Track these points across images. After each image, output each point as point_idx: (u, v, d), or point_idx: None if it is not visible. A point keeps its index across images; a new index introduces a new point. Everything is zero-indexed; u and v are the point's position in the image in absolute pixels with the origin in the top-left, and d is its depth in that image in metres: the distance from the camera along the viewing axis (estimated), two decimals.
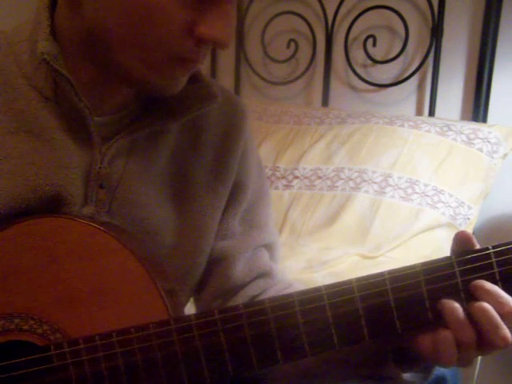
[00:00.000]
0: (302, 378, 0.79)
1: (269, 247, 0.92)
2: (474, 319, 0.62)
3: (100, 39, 0.68)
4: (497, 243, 0.64)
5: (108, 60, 0.70)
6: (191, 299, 0.92)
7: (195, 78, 0.79)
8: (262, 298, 0.87)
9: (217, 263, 0.87)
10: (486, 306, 0.62)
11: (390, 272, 0.64)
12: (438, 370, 0.90)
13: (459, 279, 0.63)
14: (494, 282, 0.63)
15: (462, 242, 0.66)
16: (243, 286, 0.88)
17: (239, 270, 0.87)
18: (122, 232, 0.74)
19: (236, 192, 0.87)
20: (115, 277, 0.68)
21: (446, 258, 0.64)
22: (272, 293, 0.88)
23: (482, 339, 0.62)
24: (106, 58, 0.70)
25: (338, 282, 0.65)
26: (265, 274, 0.90)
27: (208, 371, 0.64)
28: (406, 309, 0.64)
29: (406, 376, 0.72)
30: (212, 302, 0.89)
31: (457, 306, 0.62)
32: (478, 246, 0.65)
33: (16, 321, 0.67)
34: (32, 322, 0.67)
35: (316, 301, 0.64)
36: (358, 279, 0.64)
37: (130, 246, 0.69)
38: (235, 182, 0.87)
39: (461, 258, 0.64)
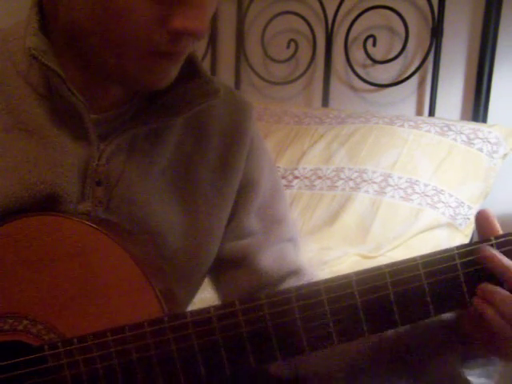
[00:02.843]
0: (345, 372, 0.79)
1: (293, 241, 0.90)
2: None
3: (77, 37, 0.68)
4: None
5: (90, 58, 0.69)
6: (198, 303, 0.91)
7: (197, 74, 0.78)
8: None
9: (240, 261, 0.86)
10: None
11: (389, 265, 0.64)
12: None
13: (461, 271, 0.63)
14: None
15: (482, 222, 0.66)
16: (274, 283, 0.86)
17: (266, 265, 0.85)
18: (118, 230, 0.73)
19: (247, 190, 0.86)
20: (109, 276, 0.67)
21: (447, 250, 0.63)
22: None
23: None
24: (87, 56, 0.69)
25: (337, 277, 0.64)
26: (296, 272, 0.88)
27: (204, 369, 0.64)
28: (406, 303, 0.63)
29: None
30: None
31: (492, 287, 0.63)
32: (497, 226, 0.65)
33: (10, 321, 0.67)
34: (26, 322, 0.67)
35: (314, 296, 0.63)
36: (357, 273, 0.64)
37: (126, 244, 0.69)
38: (245, 180, 0.85)
39: (462, 250, 0.63)
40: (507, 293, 0.62)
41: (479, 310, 0.63)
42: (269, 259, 0.86)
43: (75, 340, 0.65)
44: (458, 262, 0.63)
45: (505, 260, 0.62)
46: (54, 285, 0.67)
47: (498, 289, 0.62)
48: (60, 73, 0.69)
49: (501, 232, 0.65)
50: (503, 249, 0.63)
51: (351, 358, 0.77)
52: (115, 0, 0.62)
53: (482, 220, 0.66)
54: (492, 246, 0.63)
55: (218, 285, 0.89)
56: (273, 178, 0.90)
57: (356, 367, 0.78)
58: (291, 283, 0.87)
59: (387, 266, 0.64)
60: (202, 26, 0.64)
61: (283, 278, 0.87)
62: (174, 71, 0.71)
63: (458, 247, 0.63)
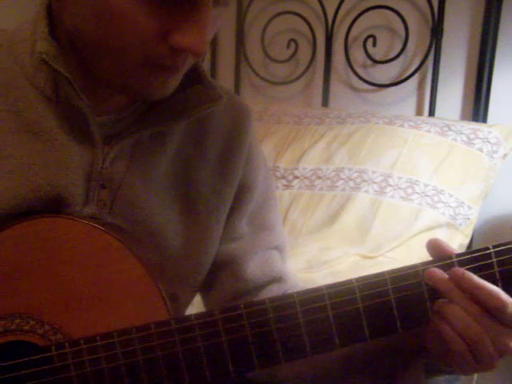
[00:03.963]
0: (317, 379, 0.79)
1: (280, 249, 0.92)
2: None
3: (80, 43, 0.68)
4: (497, 243, 0.64)
5: (91, 64, 0.70)
6: (194, 301, 0.92)
7: (200, 79, 0.79)
8: None
9: (226, 265, 0.87)
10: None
11: (391, 272, 0.64)
12: None
13: None
14: (495, 282, 0.63)
15: (434, 250, 0.67)
16: (257, 289, 0.88)
17: (250, 271, 0.87)
18: (124, 233, 0.74)
19: (242, 194, 0.87)
20: (117, 278, 0.68)
21: (447, 258, 0.64)
22: None
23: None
24: (89, 62, 0.70)
25: (339, 282, 0.65)
26: (278, 279, 0.89)
27: (209, 371, 0.64)
28: (406, 308, 0.64)
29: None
30: (224, 303, 0.89)
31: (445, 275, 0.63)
32: (451, 249, 0.66)
33: (17, 321, 0.67)
34: (33, 322, 0.67)
35: (317, 301, 0.64)
36: (359, 279, 0.65)
37: (133, 247, 0.69)
38: (241, 184, 0.87)
39: (461, 258, 0.64)
40: (458, 307, 0.63)
41: (436, 324, 0.64)
42: (253, 265, 0.87)
43: (82, 341, 0.65)
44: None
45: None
46: (61, 286, 0.67)
47: (450, 303, 0.63)
48: (69, 77, 0.69)
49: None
50: (502, 257, 0.63)
51: (324, 368, 0.79)
52: (118, 11, 0.63)
53: (435, 247, 0.67)
54: (490, 254, 0.63)
55: (201, 286, 0.90)
56: (266, 185, 0.92)
57: (328, 376, 0.79)
58: (273, 290, 0.88)
59: (389, 272, 0.64)
60: (201, 45, 0.64)
61: (265, 284, 0.88)
62: (172, 84, 0.71)
63: (456, 254, 0.64)
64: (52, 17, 0.72)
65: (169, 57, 0.66)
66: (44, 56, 0.69)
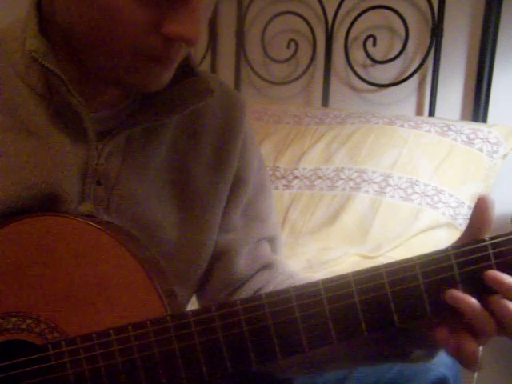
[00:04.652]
0: (310, 366, 0.79)
1: (270, 240, 0.92)
2: (496, 315, 0.61)
3: (73, 38, 0.68)
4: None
5: (84, 59, 0.70)
6: (193, 299, 0.92)
7: (192, 72, 0.79)
8: (266, 289, 0.87)
9: (219, 257, 0.87)
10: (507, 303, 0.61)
11: (387, 265, 0.64)
12: (439, 371, 0.89)
13: (456, 271, 0.63)
14: None
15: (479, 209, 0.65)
16: (247, 278, 0.88)
17: (242, 263, 0.87)
18: (120, 231, 0.74)
19: (237, 186, 0.87)
20: (113, 276, 0.68)
21: (443, 251, 0.64)
22: (275, 284, 0.89)
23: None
24: (82, 57, 0.70)
25: (335, 276, 0.64)
26: (268, 266, 0.90)
27: (206, 367, 0.64)
28: (403, 302, 0.63)
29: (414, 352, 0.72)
30: (216, 296, 0.89)
31: (473, 301, 0.61)
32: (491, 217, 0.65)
33: (13, 320, 0.67)
34: (29, 320, 0.67)
35: (313, 295, 0.64)
36: (355, 273, 0.64)
37: (129, 245, 0.69)
38: (236, 177, 0.87)
39: (457, 251, 0.63)
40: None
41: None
42: (244, 257, 0.88)
43: (78, 339, 0.65)
44: (453, 261, 0.63)
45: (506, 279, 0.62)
46: (57, 284, 0.67)
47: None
48: (60, 75, 0.69)
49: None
50: (499, 249, 0.63)
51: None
52: (109, 3, 0.63)
53: (480, 208, 0.66)
54: (486, 246, 0.63)
55: (199, 281, 0.90)
56: (260, 176, 0.92)
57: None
58: (264, 276, 0.89)
59: (385, 265, 0.64)
60: (194, 33, 0.64)
61: (255, 272, 0.89)
62: (166, 76, 0.71)
63: (452, 247, 0.64)
64: (42, 14, 0.72)
65: (162, 47, 0.66)
66: (34, 54, 0.69)
